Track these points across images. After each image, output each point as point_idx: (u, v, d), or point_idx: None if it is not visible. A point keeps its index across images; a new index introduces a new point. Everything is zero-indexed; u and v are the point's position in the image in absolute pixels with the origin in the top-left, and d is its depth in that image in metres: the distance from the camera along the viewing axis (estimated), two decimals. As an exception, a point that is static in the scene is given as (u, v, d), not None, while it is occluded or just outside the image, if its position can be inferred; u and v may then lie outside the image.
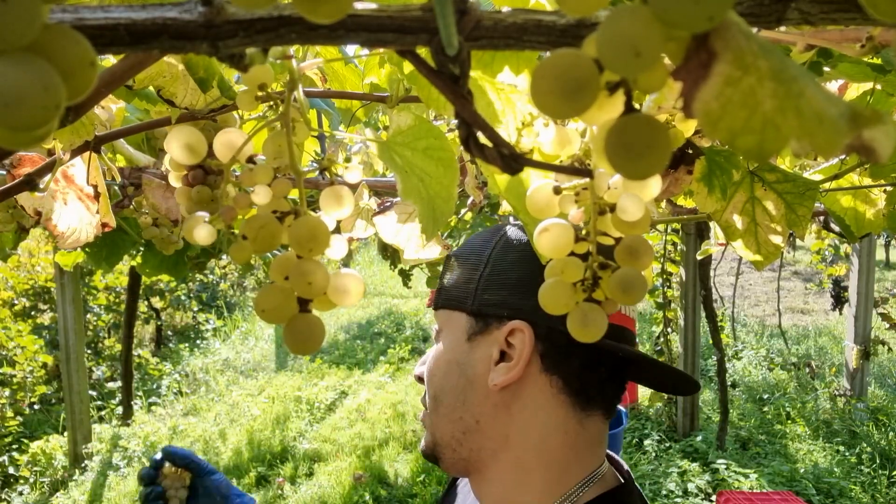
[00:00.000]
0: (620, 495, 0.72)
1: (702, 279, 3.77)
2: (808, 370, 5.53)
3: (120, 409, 4.93)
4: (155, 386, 5.69)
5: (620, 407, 3.47)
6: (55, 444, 4.33)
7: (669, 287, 4.41)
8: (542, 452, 0.71)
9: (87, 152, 0.60)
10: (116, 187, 1.12)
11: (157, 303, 6.82)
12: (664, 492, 3.70)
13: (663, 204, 1.12)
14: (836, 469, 3.91)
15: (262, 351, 6.87)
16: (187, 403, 5.40)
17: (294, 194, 0.39)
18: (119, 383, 5.02)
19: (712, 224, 0.93)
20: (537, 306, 0.73)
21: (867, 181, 0.95)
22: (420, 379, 0.82)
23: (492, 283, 0.73)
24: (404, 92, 0.69)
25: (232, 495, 1.09)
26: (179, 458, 1.09)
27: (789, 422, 4.61)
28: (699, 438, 4.23)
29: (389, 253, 4.07)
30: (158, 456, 1.11)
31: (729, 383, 5.19)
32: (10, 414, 4.42)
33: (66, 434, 4.34)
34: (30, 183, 0.55)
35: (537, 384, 0.71)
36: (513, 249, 0.74)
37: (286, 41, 0.26)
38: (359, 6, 0.25)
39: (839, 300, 6.04)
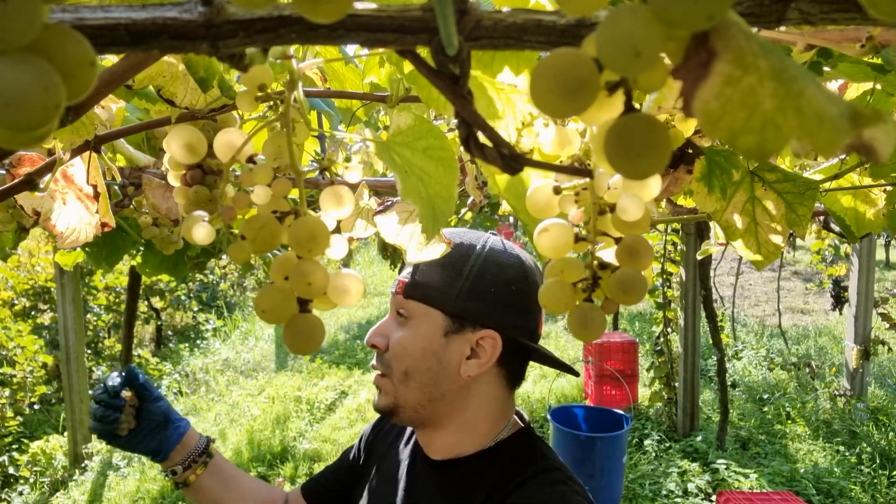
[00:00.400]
0: (525, 433, 1.01)
1: (702, 279, 3.77)
2: (808, 370, 5.53)
3: (120, 409, 4.92)
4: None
5: (622, 412, 3.47)
6: (55, 444, 4.33)
7: (669, 287, 4.42)
8: (486, 416, 0.99)
9: (87, 152, 0.60)
10: (116, 187, 1.12)
11: (157, 303, 6.82)
12: (664, 492, 3.70)
13: (663, 204, 1.12)
14: (836, 469, 3.91)
15: (262, 351, 6.87)
16: (187, 403, 5.40)
17: (294, 194, 0.39)
18: (119, 383, 5.00)
19: (712, 224, 0.93)
20: (506, 319, 0.94)
21: (867, 181, 0.95)
22: (374, 346, 0.99)
23: (472, 296, 0.92)
24: (404, 92, 0.68)
25: (172, 419, 1.20)
26: (139, 384, 1.17)
27: (789, 422, 4.61)
28: (699, 438, 4.23)
29: (389, 252, 4.08)
30: (119, 381, 1.15)
31: (729, 383, 5.19)
32: (10, 414, 4.42)
33: (66, 434, 4.34)
34: (30, 183, 0.55)
35: (492, 373, 0.97)
36: (490, 269, 0.93)
37: (286, 41, 0.26)
38: (359, 6, 0.25)
39: (839, 300, 6.04)
